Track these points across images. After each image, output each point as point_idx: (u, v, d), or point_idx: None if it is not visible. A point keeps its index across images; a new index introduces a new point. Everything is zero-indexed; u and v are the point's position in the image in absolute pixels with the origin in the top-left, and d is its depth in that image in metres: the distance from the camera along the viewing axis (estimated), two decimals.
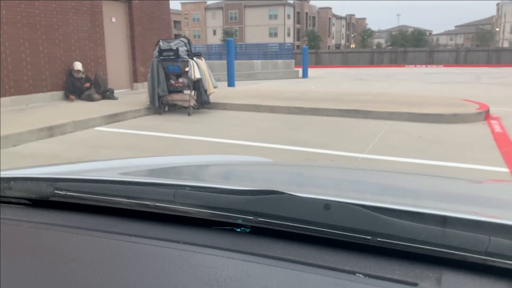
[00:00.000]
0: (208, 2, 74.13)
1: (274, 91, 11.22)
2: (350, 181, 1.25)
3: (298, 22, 70.74)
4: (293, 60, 20.87)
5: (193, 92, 7.75)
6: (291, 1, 68.55)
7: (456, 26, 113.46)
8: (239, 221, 0.68)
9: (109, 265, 0.57)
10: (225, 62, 13.52)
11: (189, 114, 7.62)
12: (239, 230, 0.68)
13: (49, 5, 8.45)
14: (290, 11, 68.65)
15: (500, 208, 0.90)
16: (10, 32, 7.72)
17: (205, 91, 7.66)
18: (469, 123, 6.66)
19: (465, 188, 1.16)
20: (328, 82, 17.17)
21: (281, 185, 1.02)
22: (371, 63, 37.52)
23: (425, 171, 3.87)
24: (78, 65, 8.84)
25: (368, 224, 0.60)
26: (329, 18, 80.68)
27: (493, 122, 6.66)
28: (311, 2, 75.56)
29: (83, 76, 8.97)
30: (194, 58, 7.54)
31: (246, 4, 69.36)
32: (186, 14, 74.46)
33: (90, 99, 8.68)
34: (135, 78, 10.98)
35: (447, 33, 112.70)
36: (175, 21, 68.67)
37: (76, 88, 8.84)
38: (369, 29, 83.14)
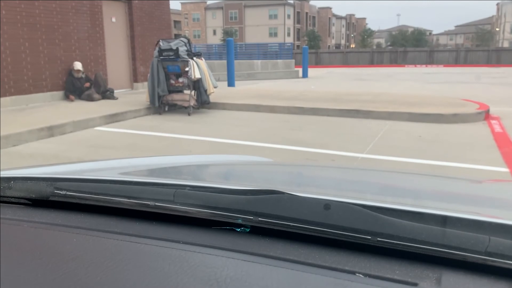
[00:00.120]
0: (208, 2, 74.18)
1: (274, 91, 11.22)
2: (350, 181, 1.25)
3: (298, 22, 70.74)
4: (293, 60, 20.87)
5: (193, 92, 7.75)
6: (291, 1, 68.56)
7: (456, 26, 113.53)
8: (239, 221, 0.68)
9: (109, 265, 0.57)
10: (225, 62, 13.52)
11: (189, 114, 7.62)
12: (239, 230, 0.68)
13: (49, 5, 8.45)
14: (290, 11, 68.65)
15: (500, 208, 0.90)
16: (10, 32, 7.72)
17: (205, 91, 7.66)
18: (469, 123, 6.66)
19: (465, 188, 1.16)
20: (328, 82, 17.17)
21: (281, 185, 1.02)
22: (371, 63, 37.51)
23: (425, 171, 3.87)
24: (78, 65, 8.84)
25: (368, 224, 0.60)
26: (329, 18, 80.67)
27: (493, 122, 6.66)
28: (311, 2, 75.59)
29: (83, 76, 8.97)
30: (194, 58, 7.54)
31: (246, 4, 69.35)
32: (186, 14, 74.46)
33: (90, 99, 8.68)
34: (135, 78, 10.98)
35: (447, 33, 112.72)
36: (175, 21, 68.68)
37: (76, 88, 8.84)
38: (369, 29, 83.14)
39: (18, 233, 0.70)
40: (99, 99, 8.74)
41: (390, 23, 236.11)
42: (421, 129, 6.20)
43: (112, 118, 6.99)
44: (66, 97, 8.81)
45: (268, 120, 7.26)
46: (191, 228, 0.70)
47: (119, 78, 10.53)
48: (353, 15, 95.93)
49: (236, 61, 14.72)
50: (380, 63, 37.20)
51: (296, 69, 20.13)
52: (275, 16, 67.85)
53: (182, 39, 7.63)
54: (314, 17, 77.57)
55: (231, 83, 12.52)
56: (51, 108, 7.72)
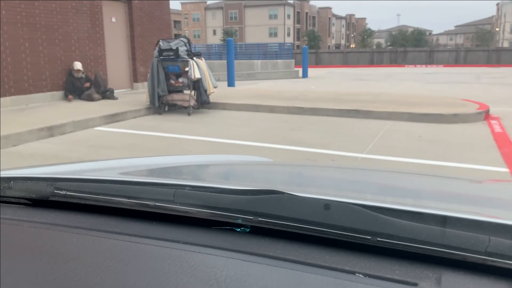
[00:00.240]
0: (208, 2, 74.18)
1: (274, 91, 11.22)
2: (350, 181, 1.25)
3: (298, 22, 70.74)
4: (293, 60, 20.87)
5: (193, 92, 7.75)
6: (291, 1, 68.56)
7: (456, 26, 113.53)
8: (239, 221, 0.68)
9: (109, 265, 0.57)
10: (225, 62, 13.52)
11: (189, 114, 7.62)
12: (239, 230, 0.68)
13: (49, 5, 8.45)
14: (290, 11, 68.65)
15: (500, 208, 0.90)
16: (10, 32, 7.73)
17: (205, 91, 7.66)
18: (469, 123, 6.66)
19: (465, 188, 1.16)
20: (328, 82, 17.17)
21: (281, 185, 1.02)
22: (371, 63, 37.51)
23: (425, 171, 3.87)
24: (78, 65, 8.84)
25: (368, 224, 0.60)
26: (329, 18, 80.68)
27: (493, 122, 6.66)
28: (311, 2, 75.58)
29: (83, 76, 8.97)
30: (194, 58, 7.54)
31: (246, 4, 69.35)
32: (186, 14, 74.46)
33: (90, 99, 8.68)
34: (135, 78, 10.98)
35: (447, 33, 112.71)
36: (175, 21, 68.68)
37: (76, 88, 8.84)
38: (369, 29, 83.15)
39: (18, 233, 0.70)
40: (99, 99, 8.74)
41: (390, 23, 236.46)
42: (421, 129, 6.20)
43: (112, 118, 6.99)
44: (66, 97, 8.81)
45: (268, 120, 7.26)
46: (191, 228, 0.70)
47: (119, 78, 10.53)
48: (353, 15, 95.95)
49: (236, 61, 14.73)
50: (380, 63, 37.20)
51: (296, 69, 20.14)
52: (275, 16, 67.84)
53: (182, 39, 7.63)
54: (314, 17, 77.56)
55: (231, 83, 12.53)
56: (51, 108, 7.72)
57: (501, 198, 1.05)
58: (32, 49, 8.18)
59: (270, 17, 68.21)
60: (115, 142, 5.64)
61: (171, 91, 7.75)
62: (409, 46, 52.39)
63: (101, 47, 9.82)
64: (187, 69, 7.43)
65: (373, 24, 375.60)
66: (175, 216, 0.72)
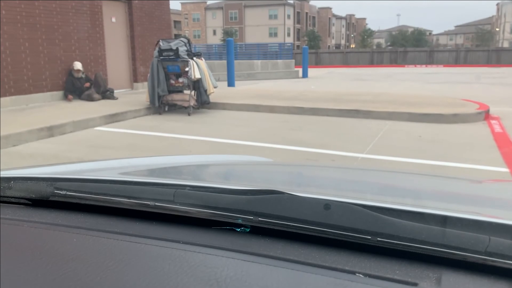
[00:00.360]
0: (208, 2, 74.17)
1: (274, 91, 11.22)
2: (350, 181, 1.25)
3: (298, 22, 70.74)
4: (293, 60, 20.87)
5: (193, 92, 7.75)
6: (291, 1, 68.56)
7: (456, 26, 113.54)
8: (239, 221, 0.67)
9: (109, 265, 0.57)
10: (225, 62, 13.52)
11: (189, 114, 7.62)
12: (239, 230, 0.68)
13: (49, 5, 8.46)
14: (290, 11, 68.64)
15: (500, 208, 0.90)
16: (10, 32, 7.73)
17: (205, 91, 7.66)
18: (469, 123, 6.66)
19: (465, 188, 1.16)
20: (328, 82, 17.17)
21: (281, 185, 1.02)
22: (371, 63, 37.51)
23: (425, 171, 3.87)
24: (78, 65, 8.85)
25: (368, 224, 0.60)
26: (329, 18, 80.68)
27: (493, 122, 6.66)
28: (311, 2, 75.59)
29: (83, 76, 8.97)
30: (194, 58, 7.54)
31: (246, 4, 69.35)
32: (186, 14, 74.46)
33: (90, 99, 8.68)
34: (135, 78, 10.98)
35: (447, 33, 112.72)
36: (175, 21, 68.68)
37: (76, 88, 8.84)
38: (369, 29, 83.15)
39: (18, 233, 0.70)
40: (99, 99, 8.74)
41: (390, 23, 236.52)
42: (421, 129, 6.20)
43: (112, 118, 6.99)
44: (66, 97, 8.81)
45: (268, 120, 7.26)
46: (191, 228, 0.70)
47: (119, 78, 10.53)
48: (353, 15, 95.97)
49: (236, 61, 14.73)
50: (380, 63, 37.20)
51: (296, 69, 20.14)
52: (275, 16, 67.84)
53: (182, 39, 7.63)
54: (314, 17, 77.57)
55: (231, 83, 12.53)
56: (51, 108, 7.72)
57: (501, 198, 1.05)
58: (32, 49, 8.18)
59: (270, 17, 68.20)
60: (115, 142, 5.64)
61: (171, 91, 7.75)
62: (409, 46, 52.39)
63: (101, 47, 9.82)
64: (187, 69, 7.43)
65: (373, 24, 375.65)
66: (175, 216, 0.72)
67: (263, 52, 22.30)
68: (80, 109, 7.56)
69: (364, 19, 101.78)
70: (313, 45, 60.65)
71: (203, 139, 5.67)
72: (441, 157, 4.58)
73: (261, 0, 67.55)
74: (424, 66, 33.39)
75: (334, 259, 0.58)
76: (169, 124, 6.90)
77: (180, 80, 7.65)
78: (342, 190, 1.05)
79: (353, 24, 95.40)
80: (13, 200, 0.85)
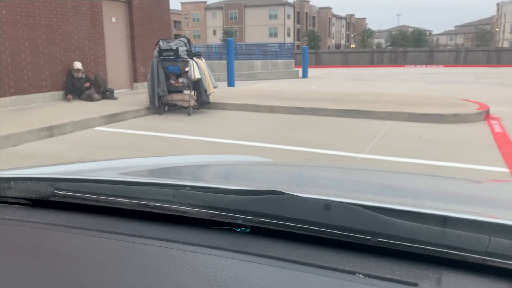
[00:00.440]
0: (208, 2, 74.18)
1: (274, 91, 11.22)
2: (350, 181, 1.25)
3: (298, 22, 70.73)
4: (293, 60, 20.86)
5: (193, 92, 7.75)
6: (291, 1, 68.56)
7: (456, 26, 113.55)
8: (239, 221, 0.67)
9: (109, 265, 0.57)
10: (225, 62, 13.52)
11: (189, 114, 7.62)
12: (239, 230, 0.68)
13: (49, 5, 8.46)
14: (290, 11, 68.64)
15: (500, 208, 0.90)
16: (10, 32, 7.73)
17: (205, 91, 7.66)
18: (469, 123, 6.66)
19: (465, 188, 1.16)
20: (328, 82, 17.17)
21: (281, 185, 1.02)
22: (371, 63, 37.51)
23: (425, 171, 3.87)
24: (78, 65, 8.85)
25: (368, 224, 0.60)
26: (329, 18, 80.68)
27: (493, 122, 6.66)
28: (311, 2, 75.57)
29: (83, 76, 8.97)
30: (194, 58, 7.54)
31: (246, 4, 69.35)
32: (186, 14, 74.46)
33: (90, 99, 8.68)
34: (135, 78, 10.98)
35: (447, 33, 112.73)
36: (175, 21, 68.69)
37: (76, 88, 8.84)
38: (369, 29, 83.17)
39: (18, 233, 0.70)
40: (99, 99, 8.74)
41: (390, 23, 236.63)
42: (421, 129, 6.20)
43: (112, 118, 6.99)
44: (66, 97, 8.81)
45: (268, 120, 7.26)
46: (191, 228, 0.70)
47: (119, 78, 10.53)
48: (353, 15, 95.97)
49: (236, 61, 14.73)
50: (380, 63, 37.19)
51: (296, 69, 20.13)
52: (275, 16, 67.84)
53: (182, 39, 7.63)
54: (314, 17, 77.56)
55: (231, 83, 12.52)
56: (51, 108, 7.72)
57: (501, 198, 1.05)
58: (32, 49, 8.18)
59: (270, 17, 68.20)
60: (115, 142, 5.64)
61: (171, 91, 7.75)
62: (409, 46, 52.42)
63: (101, 47, 9.82)
64: (187, 69, 7.43)
65: (373, 24, 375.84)
66: (175, 216, 0.72)
67: (263, 52, 22.30)
68: (80, 109, 7.56)
69: (364, 19, 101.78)
70: (313, 45, 60.65)
71: (203, 139, 5.67)
72: (441, 157, 4.58)
73: (261, 0, 67.55)
74: (424, 66, 33.38)
75: (334, 259, 0.58)
76: (169, 124, 6.90)
77: (180, 80, 7.65)
78: (342, 190, 1.05)
79: (353, 24, 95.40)
80: (13, 200, 0.85)
